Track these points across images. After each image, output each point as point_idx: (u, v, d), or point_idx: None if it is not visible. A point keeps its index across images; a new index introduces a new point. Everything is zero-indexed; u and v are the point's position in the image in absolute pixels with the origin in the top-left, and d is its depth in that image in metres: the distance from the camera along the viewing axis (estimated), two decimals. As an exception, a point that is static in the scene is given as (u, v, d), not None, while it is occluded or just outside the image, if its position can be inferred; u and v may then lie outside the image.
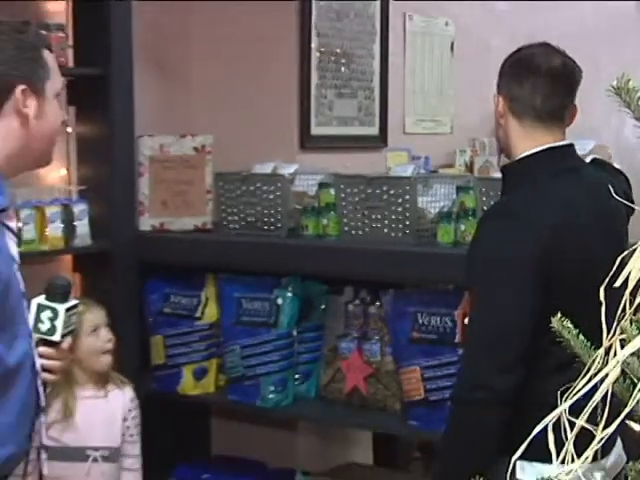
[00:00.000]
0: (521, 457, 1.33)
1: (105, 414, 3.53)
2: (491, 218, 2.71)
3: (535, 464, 1.79)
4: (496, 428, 2.49)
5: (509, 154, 2.74)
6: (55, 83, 2.35)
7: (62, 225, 3.87)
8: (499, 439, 2.47)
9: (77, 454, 3.41)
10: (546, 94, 2.62)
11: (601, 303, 1.26)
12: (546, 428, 1.24)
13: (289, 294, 3.87)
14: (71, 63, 3.96)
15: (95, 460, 3.44)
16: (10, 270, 2.25)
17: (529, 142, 2.64)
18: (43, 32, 3.74)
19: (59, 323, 2.38)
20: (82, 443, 3.43)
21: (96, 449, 3.45)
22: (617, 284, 1.26)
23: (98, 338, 3.53)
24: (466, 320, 3.45)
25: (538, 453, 1.29)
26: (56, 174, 4.08)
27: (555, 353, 2.25)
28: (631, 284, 1.22)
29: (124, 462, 3.56)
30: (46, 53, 2.34)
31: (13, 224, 2.38)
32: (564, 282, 2.51)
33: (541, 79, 2.62)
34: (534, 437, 1.26)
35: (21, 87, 2.25)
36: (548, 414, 1.26)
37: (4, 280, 2.19)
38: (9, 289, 2.21)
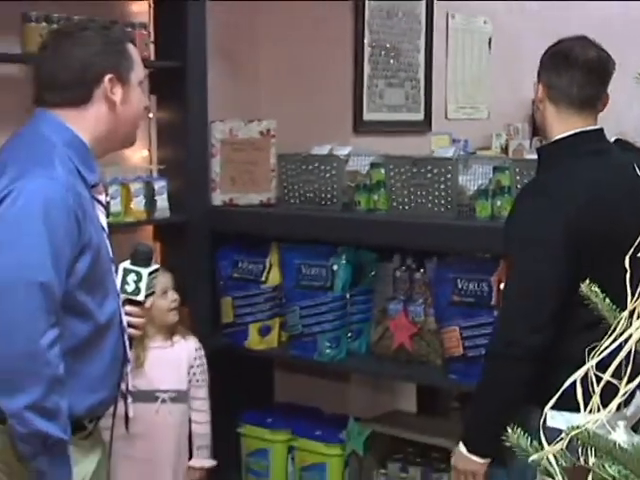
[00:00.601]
0: (551, 407, 1.33)
1: (171, 361, 3.58)
2: (527, 196, 2.67)
3: (564, 413, 1.77)
4: (527, 381, 2.48)
5: (545, 136, 2.73)
6: (138, 73, 2.37)
7: (144, 199, 3.89)
8: (528, 391, 2.46)
9: (147, 396, 3.45)
10: (581, 84, 2.59)
11: (626, 270, 1.25)
12: (575, 381, 1.24)
13: (343, 261, 3.86)
14: (152, 57, 3.97)
15: (163, 401, 3.50)
16: (100, 238, 2.28)
17: (564, 126, 2.61)
18: (128, 29, 3.78)
19: (143, 285, 2.41)
20: (151, 387, 3.48)
21: (164, 391, 3.51)
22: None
23: (166, 299, 3.59)
24: (502, 285, 3.44)
25: (567, 403, 1.29)
26: (139, 155, 4.11)
27: (581, 315, 2.23)
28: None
29: (193, 404, 3.63)
30: (130, 46, 2.37)
31: (102, 198, 2.41)
32: (592, 253, 2.49)
33: (578, 71, 2.59)
34: (564, 389, 1.26)
35: (108, 76, 2.27)
36: (574, 369, 1.26)
37: (95, 247, 2.22)
38: (99, 255, 2.25)
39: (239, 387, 4.19)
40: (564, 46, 2.67)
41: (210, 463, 3.66)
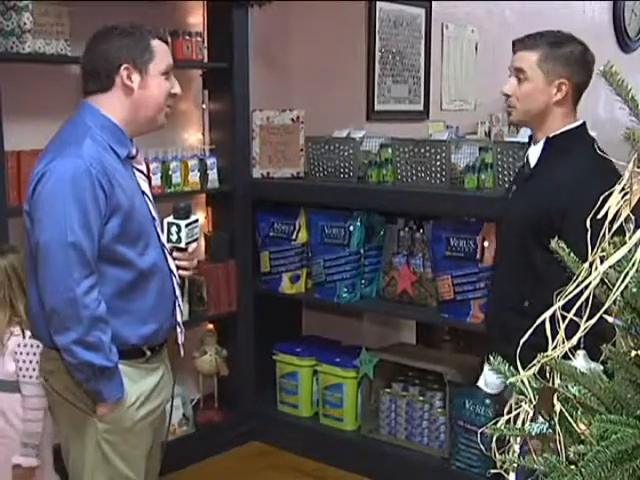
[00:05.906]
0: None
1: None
2: (599, 181, 2.14)
3: None
4: None
5: (545, 127, 2.39)
6: (159, 64, 2.23)
7: (199, 173, 3.88)
8: None
9: None
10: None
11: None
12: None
13: (358, 223, 3.85)
14: (206, 59, 3.95)
15: None
16: (135, 200, 2.21)
17: (572, 118, 2.40)
18: (186, 36, 3.75)
19: (183, 234, 2.34)
20: None
21: None
22: (599, 216, 1.23)
23: None
24: (485, 243, 3.42)
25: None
26: (195, 137, 4.10)
27: None
28: (610, 216, 1.19)
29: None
30: (155, 42, 2.23)
31: (142, 167, 2.33)
32: None
33: (592, 70, 2.38)
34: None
35: (124, 65, 2.18)
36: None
37: (126, 209, 2.16)
38: (132, 215, 2.18)
39: (274, 323, 4.21)
40: (581, 48, 2.40)
41: None
